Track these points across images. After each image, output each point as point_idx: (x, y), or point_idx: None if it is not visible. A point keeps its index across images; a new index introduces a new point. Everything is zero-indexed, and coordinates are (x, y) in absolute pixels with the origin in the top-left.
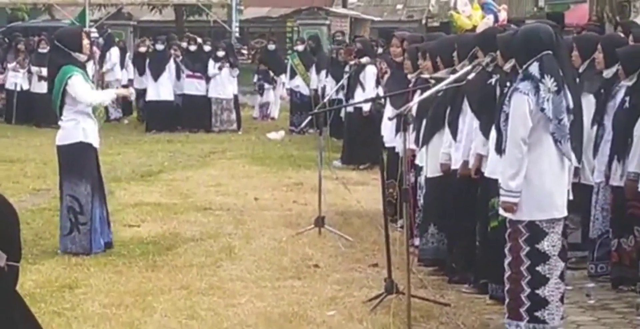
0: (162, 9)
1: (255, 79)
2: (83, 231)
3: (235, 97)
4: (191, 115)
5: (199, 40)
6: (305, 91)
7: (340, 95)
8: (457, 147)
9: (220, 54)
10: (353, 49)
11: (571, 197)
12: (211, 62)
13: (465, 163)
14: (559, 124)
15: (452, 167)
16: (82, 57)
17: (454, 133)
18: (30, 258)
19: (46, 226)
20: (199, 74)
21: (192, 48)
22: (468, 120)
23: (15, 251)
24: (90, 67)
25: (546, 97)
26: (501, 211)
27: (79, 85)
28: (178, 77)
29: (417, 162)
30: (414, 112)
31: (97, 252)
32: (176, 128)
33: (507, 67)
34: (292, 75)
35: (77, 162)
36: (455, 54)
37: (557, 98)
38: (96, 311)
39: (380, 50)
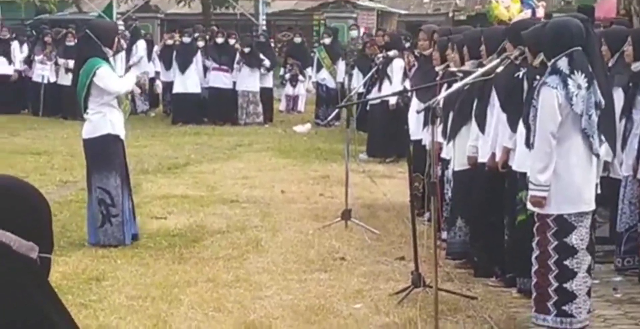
0: (190, 1)
1: (282, 72)
2: (115, 223)
3: (268, 90)
4: (218, 107)
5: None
6: (331, 84)
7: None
8: (485, 139)
9: (246, 50)
10: (378, 42)
11: (599, 191)
12: (238, 56)
13: (494, 155)
14: (589, 119)
15: (480, 160)
16: (110, 52)
17: (482, 126)
18: (57, 249)
19: (73, 218)
20: (225, 67)
21: (219, 41)
22: (496, 113)
23: (47, 243)
24: (120, 59)
25: (575, 92)
26: (529, 205)
27: (107, 76)
28: (205, 69)
29: (443, 155)
30: (441, 105)
31: (126, 244)
32: (203, 120)
33: (537, 62)
34: (319, 68)
35: (106, 154)
36: (482, 47)
37: (587, 93)
38: (123, 304)
39: (407, 44)
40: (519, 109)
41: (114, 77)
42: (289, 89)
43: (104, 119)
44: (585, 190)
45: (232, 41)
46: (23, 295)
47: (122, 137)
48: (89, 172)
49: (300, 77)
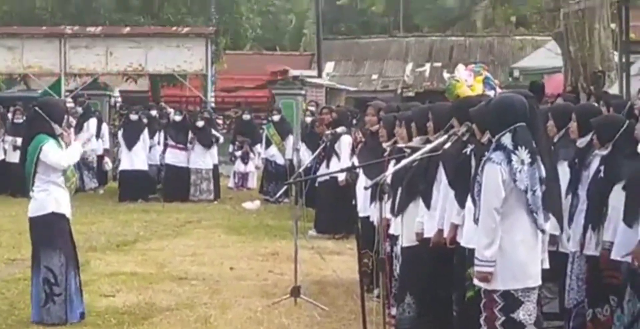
0: (138, 78)
1: (230, 149)
2: (58, 302)
3: (215, 166)
4: (170, 185)
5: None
6: (280, 160)
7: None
8: (432, 215)
9: (200, 123)
10: (326, 119)
11: (547, 266)
12: (190, 133)
13: (440, 231)
14: (534, 195)
15: (425, 235)
16: (59, 130)
17: (427, 202)
18: (4, 328)
19: (21, 296)
20: (181, 145)
21: (178, 118)
22: (443, 189)
23: None
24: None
25: (519, 168)
26: (476, 281)
27: (51, 151)
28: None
29: (391, 231)
30: (389, 181)
31: (73, 322)
32: (150, 197)
33: (485, 139)
34: (268, 144)
35: (51, 233)
36: (429, 123)
37: (530, 169)
38: None
39: (354, 121)
40: (466, 185)
41: (58, 151)
42: (240, 166)
43: (48, 197)
44: (531, 266)
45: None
46: None
47: (68, 215)
48: (34, 250)
49: (251, 155)
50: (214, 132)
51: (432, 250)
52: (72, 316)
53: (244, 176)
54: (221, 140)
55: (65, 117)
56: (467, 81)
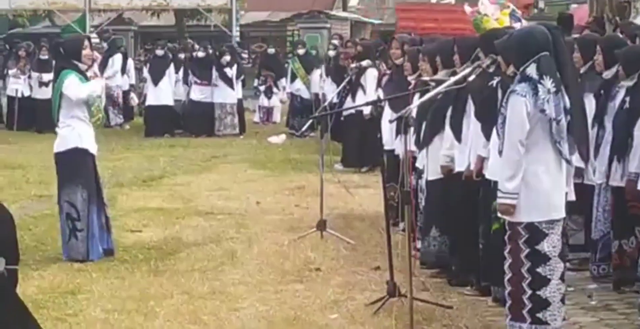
0: (162, 13)
1: (255, 83)
2: (80, 238)
3: (240, 101)
4: (195, 120)
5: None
6: (305, 95)
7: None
8: (462, 149)
9: (227, 58)
10: (350, 53)
11: (573, 198)
12: (213, 68)
13: (470, 165)
14: (558, 125)
15: (457, 169)
16: (83, 66)
17: (457, 135)
18: (32, 264)
19: (48, 232)
20: (205, 82)
21: (201, 54)
22: (472, 122)
23: (12, 255)
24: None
25: (546, 98)
26: (499, 214)
27: (71, 84)
28: (186, 82)
29: (417, 164)
30: (414, 114)
31: (94, 259)
32: (176, 132)
33: (510, 71)
34: (293, 79)
35: (74, 168)
36: (455, 56)
37: (555, 98)
38: (98, 317)
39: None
40: (493, 118)
41: (78, 84)
42: (263, 100)
43: (72, 133)
44: (554, 197)
45: (210, 52)
46: None
47: (92, 150)
48: (58, 186)
49: (275, 89)
50: (236, 68)
51: (457, 182)
52: (94, 252)
53: (268, 111)
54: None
55: (84, 52)
56: (494, 15)
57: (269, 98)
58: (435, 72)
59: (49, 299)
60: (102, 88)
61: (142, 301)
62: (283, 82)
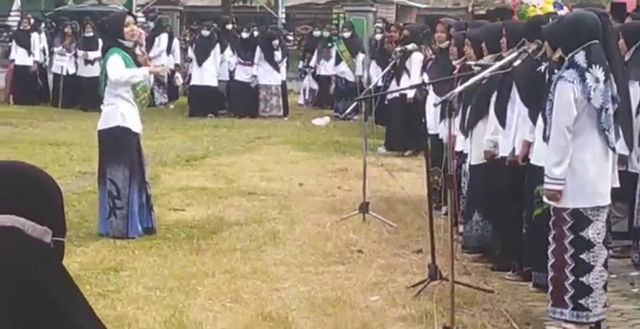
0: None
1: (300, 65)
2: (120, 215)
3: (284, 82)
4: (239, 100)
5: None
6: (350, 77)
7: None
8: (506, 134)
9: (276, 42)
10: (394, 37)
11: (618, 185)
12: (258, 50)
13: (514, 150)
14: (606, 114)
15: (501, 154)
16: (128, 43)
17: (502, 120)
18: (75, 240)
19: (91, 208)
20: (249, 62)
21: (245, 35)
22: (517, 108)
23: (59, 227)
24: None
25: (593, 86)
26: (545, 199)
27: (113, 64)
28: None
29: (459, 148)
30: (457, 98)
31: (133, 237)
32: (220, 113)
33: (556, 57)
34: (337, 61)
35: (116, 146)
36: (503, 40)
37: (604, 87)
38: (140, 294)
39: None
40: (539, 103)
41: (120, 66)
42: (310, 82)
43: (115, 111)
44: (600, 184)
45: (256, 34)
46: (37, 279)
47: (135, 130)
48: (100, 163)
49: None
50: (281, 50)
51: (500, 167)
52: (133, 231)
53: (313, 93)
54: (278, 58)
55: (126, 30)
56: (539, 4)
57: (317, 80)
58: (479, 56)
59: (91, 275)
60: (145, 75)
61: (184, 279)
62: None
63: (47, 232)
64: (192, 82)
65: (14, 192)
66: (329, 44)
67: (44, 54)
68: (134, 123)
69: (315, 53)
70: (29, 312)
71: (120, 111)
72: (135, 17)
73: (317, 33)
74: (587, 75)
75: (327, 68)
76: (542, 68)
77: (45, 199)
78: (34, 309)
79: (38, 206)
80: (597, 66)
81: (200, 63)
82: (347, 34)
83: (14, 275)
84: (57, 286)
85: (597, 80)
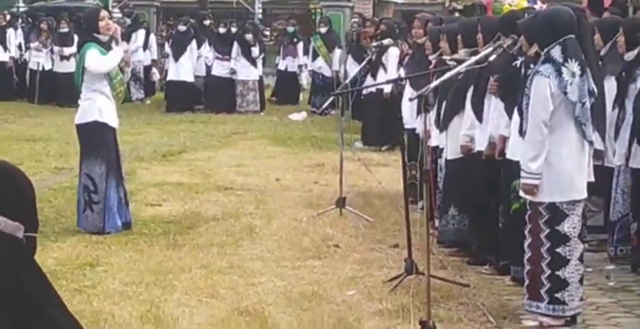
0: None
1: (277, 60)
2: (96, 210)
3: (260, 77)
4: (215, 96)
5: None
6: (327, 73)
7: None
8: (482, 128)
9: (249, 37)
10: (370, 32)
11: (593, 179)
12: (235, 45)
13: (491, 145)
14: (582, 107)
15: (477, 149)
16: (103, 38)
17: (479, 115)
18: (51, 235)
19: (67, 204)
20: (227, 57)
21: (222, 30)
22: (493, 102)
23: (32, 222)
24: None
25: (569, 80)
26: (522, 193)
27: (92, 57)
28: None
29: (434, 143)
30: (433, 93)
31: (110, 232)
32: (196, 108)
33: (532, 52)
34: (315, 56)
35: (93, 141)
36: (479, 36)
37: (580, 81)
38: (117, 289)
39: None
40: (516, 98)
41: (99, 57)
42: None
43: (92, 106)
44: (577, 178)
45: (233, 30)
46: (9, 274)
47: (112, 124)
48: (80, 158)
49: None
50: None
51: (476, 162)
52: (110, 225)
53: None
54: (255, 53)
55: (101, 24)
56: (513, 2)
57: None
58: (455, 51)
59: (67, 270)
60: (121, 55)
61: (160, 274)
62: (305, 59)
63: (19, 228)
64: (169, 78)
65: None
66: (294, 40)
67: (20, 49)
68: (111, 118)
69: (281, 49)
70: (3, 308)
71: (97, 106)
72: (110, 12)
73: (290, 29)
74: (564, 69)
75: (292, 64)
76: (518, 63)
77: (18, 195)
78: (6, 303)
79: (10, 202)
80: (573, 60)
81: (176, 59)
82: (324, 29)
83: None
84: (30, 281)
85: (573, 75)
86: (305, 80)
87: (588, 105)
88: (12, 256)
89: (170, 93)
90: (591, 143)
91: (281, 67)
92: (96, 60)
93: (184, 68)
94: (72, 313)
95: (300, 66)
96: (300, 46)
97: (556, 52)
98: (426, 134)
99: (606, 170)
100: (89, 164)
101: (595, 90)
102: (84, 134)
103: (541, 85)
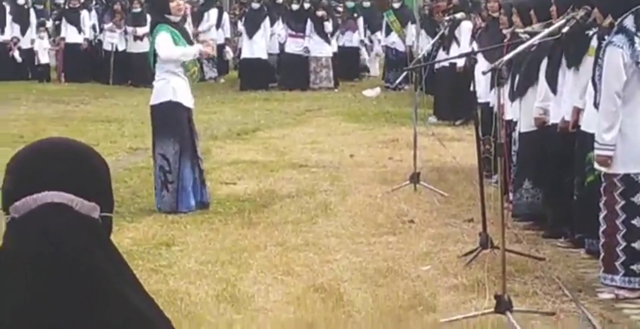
0: None
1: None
2: (171, 190)
3: (334, 54)
4: (289, 73)
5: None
6: (401, 48)
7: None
8: (557, 101)
9: (320, 13)
10: (442, 6)
11: None
12: (309, 22)
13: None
14: None
15: (552, 121)
16: (175, 18)
17: (553, 87)
18: (127, 215)
19: (143, 184)
20: (301, 34)
21: (295, 7)
22: (568, 74)
23: (107, 202)
24: (188, 25)
25: None
26: (596, 165)
27: (160, 41)
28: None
29: (509, 116)
30: (507, 67)
31: (184, 212)
32: (270, 86)
33: (606, 23)
34: (388, 32)
35: (167, 120)
36: (552, 8)
37: None
38: (193, 268)
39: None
40: (589, 69)
41: (167, 43)
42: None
43: (166, 86)
44: None
45: (306, 6)
46: (86, 254)
47: (187, 104)
48: (153, 138)
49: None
50: (331, 21)
51: (551, 134)
52: (183, 205)
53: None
54: (329, 29)
55: (172, 4)
56: None
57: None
58: (527, 25)
59: (143, 250)
60: (194, 54)
61: (236, 252)
62: (378, 35)
63: (95, 208)
64: (243, 56)
65: (62, 169)
66: (354, 15)
67: (94, 31)
68: (186, 98)
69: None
70: (80, 288)
71: (171, 86)
72: None
73: (366, 4)
74: (637, 39)
75: (352, 39)
76: (590, 33)
77: (93, 175)
78: (84, 286)
79: (86, 183)
80: None
81: (250, 36)
82: (397, 5)
83: (64, 251)
84: (106, 262)
85: None
86: (367, 55)
87: None
88: (88, 237)
89: (244, 72)
90: None
91: (340, 43)
92: (168, 48)
93: (258, 46)
94: (148, 293)
95: (362, 41)
96: (360, 21)
97: (629, 22)
98: (500, 108)
99: None
100: (163, 144)
101: None
102: (158, 114)
103: (614, 56)
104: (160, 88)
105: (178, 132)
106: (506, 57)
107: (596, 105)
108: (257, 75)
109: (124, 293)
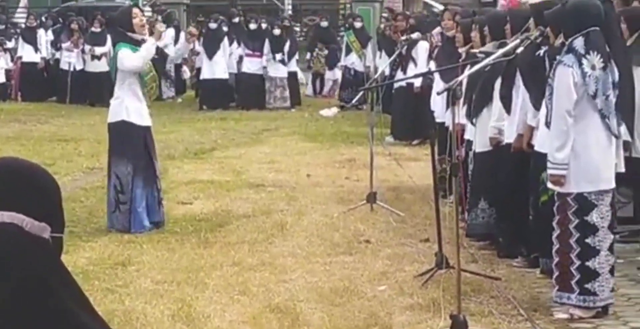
0: None
1: (308, 56)
2: (122, 210)
3: (293, 74)
4: (246, 93)
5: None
6: (360, 68)
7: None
8: (511, 120)
9: (277, 32)
10: (400, 26)
11: (622, 169)
12: (266, 41)
13: (520, 136)
14: (606, 100)
15: (506, 141)
16: (137, 36)
17: (507, 107)
18: (83, 235)
19: (99, 204)
20: (258, 53)
21: (252, 27)
22: (521, 93)
23: (58, 222)
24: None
25: (589, 73)
26: (549, 185)
27: (125, 56)
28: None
29: (466, 136)
30: (464, 86)
31: (136, 232)
32: (229, 106)
33: (557, 42)
34: (347, 52)
35: (120, 140)
36: (507, 27)
37: (603, 74)
38: (148, 288)
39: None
40: (541, 87)
41: (131, 55)
42: (310, 74)
43: (120, 105)
44: (604, 168)
45: (264, 26)
46: (37, 274)
47: (143, 123)
48: (108, 156)
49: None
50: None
51: (506, 154)
52: (136, 226)
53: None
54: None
55: (135, 21)
56: None
57: (330, 69)
58: (484, 43)
59: (99, 270)
60: (154, 45)
61: (192, 272)
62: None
63: (45, 228)
64: (203, 76)
65: (12, 189)
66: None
67: (55, 48)
68: (140, 118)
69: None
70: (30, 308)
71: (125, 105)
72: (142, 10)
73: (324, 24)
74: (584, 61)
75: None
76: (541, 52)
77: (44, 195)
78: (34, 305)
79: (36, 203)
80: (595, 53)
81: (210, 57)
82: (358, 25)
83: (13, 271)
84: (56, 281)
85: (593, 67)
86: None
87: (612, 97)
88: (38, 258)
89: (204, 91)
90: (616, 136)
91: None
92: (131, 57)
93: (218, 66)
94: (98, 313)
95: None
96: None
97: (579, 43)
98: (455, 127)
99: (635, 161)
100: (118, 164)
101: (617, 82)
102: (114, 132)
103: (564, 75)
104: (115, 107)
105: (131, 152)
106: (460, 77)
107: (548, 124)
108: (216, 95)
109: (74, 312)
